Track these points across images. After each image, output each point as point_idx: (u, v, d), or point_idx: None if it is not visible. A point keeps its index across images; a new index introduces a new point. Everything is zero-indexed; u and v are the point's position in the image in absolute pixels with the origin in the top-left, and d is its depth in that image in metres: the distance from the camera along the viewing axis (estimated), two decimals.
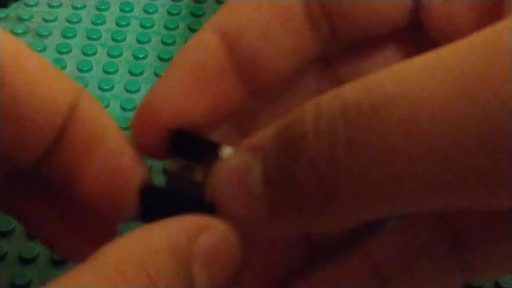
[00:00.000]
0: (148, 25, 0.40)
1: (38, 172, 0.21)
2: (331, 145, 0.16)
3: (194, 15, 0.40)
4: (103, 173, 0.20)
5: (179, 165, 0.20)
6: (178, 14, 0.40)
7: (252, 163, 0.17)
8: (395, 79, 0.15)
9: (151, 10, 0.40)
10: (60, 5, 0.41)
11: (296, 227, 0.18)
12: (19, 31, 0.39)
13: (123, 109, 0.35)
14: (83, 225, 0.22)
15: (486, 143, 0.14)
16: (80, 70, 0.37)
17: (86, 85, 0.36)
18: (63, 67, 0.37)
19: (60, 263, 0.29)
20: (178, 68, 0.20)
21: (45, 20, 0.40)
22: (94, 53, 0.38)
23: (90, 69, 0.37)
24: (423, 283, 0.20)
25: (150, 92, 0.20)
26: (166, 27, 0.40)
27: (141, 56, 0.38)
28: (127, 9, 0.40)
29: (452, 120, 0.14)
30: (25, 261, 0.29)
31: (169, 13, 0.40)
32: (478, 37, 0.15)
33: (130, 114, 0.35)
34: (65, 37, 0.39)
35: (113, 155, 0.20)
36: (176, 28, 0.40)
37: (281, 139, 0.17)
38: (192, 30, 0.40)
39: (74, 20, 0.40)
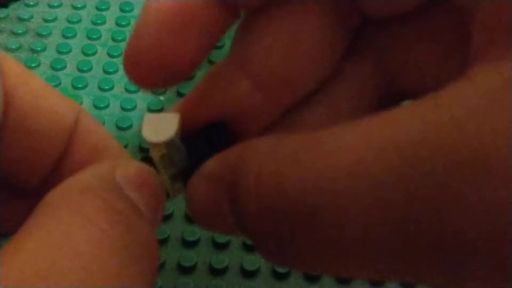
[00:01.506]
0: None
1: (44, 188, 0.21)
2: (276, 237, 0.16)
3: None
4: None
5: (161, 154, 0.21)
6: None
7: (219, 197, 0.18)
8: (328, 181, 0.15)
9: None
10: (60, 5, 0.41)
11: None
12: (19, 31, 0.39)
13: (123, 109, 0.35)
14: None
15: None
16: (80, 70, 0.37)
17: (86, 86, 0.36)
18: (63, 67, 0.37)
19: None
20: (157, 4, 0.19)
21: (45, 20, 0.40)
22: (94, 53, 0.38)
23: (90, 69, 0.37)
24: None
25: (135, 31, 0.20)
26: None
27: None
28: (127, 9, 0.40)
29: (375, 217, 0.14)
30: None
31: None
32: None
33: (130, 114, 0.35)
34: (65, 37, 0.39)
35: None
36: None
37: (233, 190, 0.18)
38: None
39: (74, 20, 0.40)
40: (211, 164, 0.19)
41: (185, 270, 0.29)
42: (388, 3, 0.20)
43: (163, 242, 0.30)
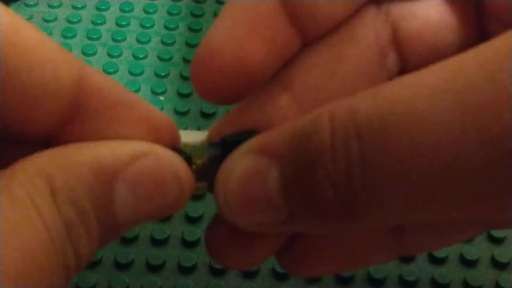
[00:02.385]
0: (148, 25, 0.40)
1: (54, 143, 0.20)
2: (347, 163, 0.16)
3: (194, 15, 0.40)
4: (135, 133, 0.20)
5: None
6: (178, 14, 0.40)
7: (267, 168, 0.18)
8: (406, 99, 0.16)
9: (151, 10, 0.40)
10: (60, 5, 0.41)
11: (317, 229, 0.19)
12: None
13: None
14: None
15: (486, 171, 0.15)
16: None
17: None
18: None
19: None
20: (233, 12, 0.20)
21: (45, 20, 0.40)
22: (94, 53, 0.38)
23: None
24: (440, 231, 0.22)
25: (206, 35, 0.20)
26: (166, 27, 0.40)
27: (141, 56, 0.38)
28: (127, 9, 0.40)
29: (457, 147, 0.15)
30: None
31: (169, 13, 0.40)
32: (487, 52, 0.15)
33: None
34: (65, 37, 0.39)
35: (143, 118, 0.20)
36: (176, 28, 0.40)
37: (298, 150, 0.17)
38: (192, 30, 0.40)
39: (74, 20, 0.40)
40: (258, 139, 0.18)
41: (185, 270, 0.29)
42: None
43: (163, 242, 0.30)
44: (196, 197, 0.32)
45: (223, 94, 0.20)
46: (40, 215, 0.16)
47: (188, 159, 0.20)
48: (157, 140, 0.20)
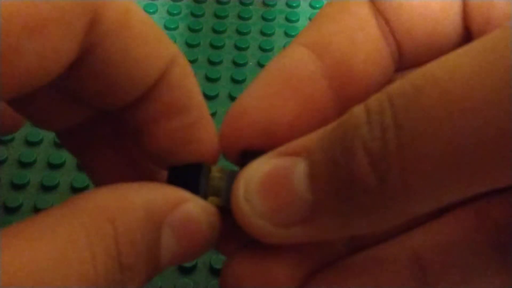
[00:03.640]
0: None
1: (121, 121, 0.21)
2: (382, 128, 0.16)
3: (194, 15, 0.40)
4: (178, 139, 0.21)
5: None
6: (178, 14, 0.40)
7: (294, 165, 0.18)
8: (436, 64, 0.16)
9: (151, 10, 0.40)
10: None
11: (339, 228, 0.18)
12: None
13: None
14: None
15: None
16: None
17: None
18: None
19: None
20: (269, 72, 0.21)
21: None
22: None
23: None
24: (464, 278, 0.20)
25: (241, 95, 0.21)
26: (166, 27, 0.40)
27: None
28: None
29: (491, 103, 0.15)
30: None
31: (169, 13, 0.40)
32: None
33: None
34: None
35: (192, 125, 0.21)
36: (176, 28, 0.40)
37: (331, 137, 0.17)
38: (192, 30, 0.40)
39: None
40: (285, 145, 0.18)
41: (185, 270, 0.29)
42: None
43: None
44: None
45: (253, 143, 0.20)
46: (92, 255, 0.16)
47: (206, 173, 0.20)
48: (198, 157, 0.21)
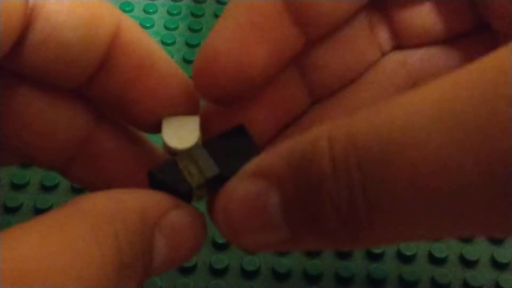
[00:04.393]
0: (148, 25, 0.40)
1: (87, 95, 0.22)
2: (349, 191, 0.16)
3: (194, 15, 0.40)
4: (154, 96, 0.21)
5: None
6: (178, 14, 0.40)
7: (268, 192, 0.18)
8: (403, 122, 0.16)
9: (151, 10, 0.40)
10: None
11: (318, 247, 0.19)
12: None
13: None
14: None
15: (482, 196, 0.15)
16: None
17: None
18: None
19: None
20: (236, 13, 0.21)
21: None
22: None
23: None
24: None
25: (209, 37, 0.21)
26: (166, 27, 0.40)
27: None
28: (127, 9, 0.40)
29: (458, 170, 0.15)
30: None
31: (169, 13, 0.40)
32: (483, 74, 0.15)
33: None
34: None
35: (165, 79, 0.21)
36: (176, 28, 0.40)
37: (298, 176, 0.17)
38: (192, 30, 0.40)
39: None
40: (257, 161, 0.19)
41: (185, 270, 0.29)
42: None
43: None
44: None
45: (225, 96, 0.21)
46: (101, 253, 0.17)
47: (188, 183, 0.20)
48: (173, 107, 0.21)
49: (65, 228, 0.16)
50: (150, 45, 0.22)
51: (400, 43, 0.23)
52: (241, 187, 0.18)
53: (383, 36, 0.23)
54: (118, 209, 0.18)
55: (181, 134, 0.21)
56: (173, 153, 0.21)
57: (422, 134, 0.15)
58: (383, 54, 0.23)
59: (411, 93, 0.16)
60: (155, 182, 0.20)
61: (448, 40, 0.23)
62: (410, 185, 0.15)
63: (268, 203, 0.18)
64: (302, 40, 0.21)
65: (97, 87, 0.22)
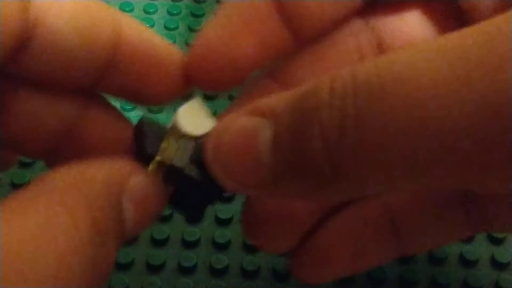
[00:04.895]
0: (148, 25, 0.40)
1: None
2: (341, 120, 0.16)
3: (194, 15, 0.40)
4: (160, 84, 0.23)
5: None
6: (178, 14, 0.40)
7: (261, 127, 0.18)
8: (406, 61, 0.16)
9: (151, 10, 0.40)
10: None
11: (298, 194, 0.19)
12: None
13: (123, 109, 0.35)
14: None
15: (479, 130, 0.15)
16: None
17: None
18: None
19: None
20: (228, 11, 0.22)
21: None
22: None
23: None
24: (434, 232, 0.23)
25: (203, 31, 0.22)
26: (166, 27, 0.40)
27: None
28: (127, 9, 0.40)
29: (452, 107, 0.15)
30: None
31: (169, 13, 0.40)
32: (487, 24, 0.16)
33: (130, 114, 0.35)
34: None
35: (172, 70, 0.22)
36: (176, 28, 0.40)
37: (295, 107, 0.17)
38: (192, 30, 0.39)
39: None
40: (257, 101, 0.19)
41: (185, 270, 0.29)
42: None
43: (163, 242, 0.30)
44: None
45: (214, 85, 0.22)
46: (75, 225, 0.17)
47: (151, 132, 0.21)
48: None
49: (37, 205, 0.17)
50: (153, 39, 0.23)
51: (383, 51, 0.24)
52: (237, 121, 0.19)
53: (366, 44, 0.24)
54: (84, 180, 0.18)
55: (197, 121, 0.21)
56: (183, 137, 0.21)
57: (422, 67, 0.15)
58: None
59: (417, 43, 0.17)
60: (135, 130, 0.21)
61: None
62: (405, 116, 0.15)
63: (260, 139, 0.18)
64: (291, 41, 0.22)
65: (104, 85, 0.22)
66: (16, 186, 0.31)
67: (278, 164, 0.18)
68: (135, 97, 0.23)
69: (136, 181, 0.20)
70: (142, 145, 0.21)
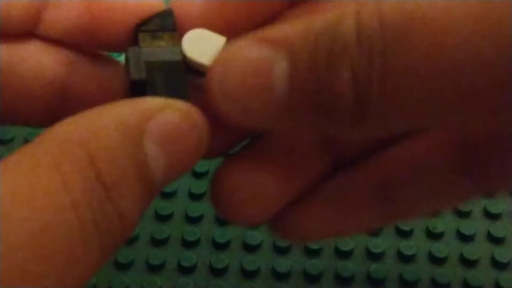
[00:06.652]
0: None
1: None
2: (370, 53, 0.16)
3: None
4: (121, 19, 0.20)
5: (150, 37, 0.20)
6: None
7: (276, 59, 0.17)
8: (434, 4, 0.16)
9: None
10: None
11: (316, 127, 0.18)
12: None
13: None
14: None
15: (493, 71, 0.15)
16: None
17: None
18: None
19: None
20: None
21: None
22: None
23: None
24: (431, 195, 0.22)
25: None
26: None
27: None
28: None
29: (472, 48, 0.15)
30: None
31: None
32: None
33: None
34: None
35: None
36: None
37: (318, 42, 0.17)
38: None
39: None
40: (267, 30, 0.18)
41: (185, 270, 0.29)
42: None
43: (163, 242, 0.30)
44: (196, 197, 0.32)
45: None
46: (63, 181, 0.15)
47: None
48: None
49: (25, 164, 0.16)
50: None
51: None
52: (245, 51, 0.17)
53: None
54: (89, 130, 0.16)
55: (204, 48, 0.20)
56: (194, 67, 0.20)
57: (447, 11, 0.16)
58: None
59: None
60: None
61: None
62: (428, 56, 0.16)
63: (274, 69, 0.17)
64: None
65: (51, 23, 0.21)
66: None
67: (296, 99, 0.17)
68: (89, 38, 0.21)
69: (162, 117, 0.17)
70: (127, 72, 0.19)
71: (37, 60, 0.21)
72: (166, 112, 0.18)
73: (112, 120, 0.17)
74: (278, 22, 0.20)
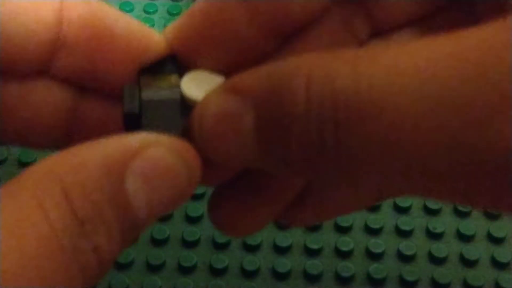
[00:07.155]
0: (148, 25, 0.40)
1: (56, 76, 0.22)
2: (320, 135, 0.16)
3: None
4: (121, 62, 0.21)
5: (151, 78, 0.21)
6: (178, 14, 0.40)
7: (243, 109, 0.17)
8: (386, 82, 0.15)
9: (151, 10, 0.40)
10: None
11: (281, 172, 0.19)
12: None
13: None
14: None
15: (455, 167, 0.15)
16: None
17: None
18: None
19: None
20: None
21: None
22: None
23: None
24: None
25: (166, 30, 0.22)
26: (166, 27, 0.40)
27: None
28: (127, 9, 0.40)
29: (428, 137, 0.15)
30: None
31: (169, 13, 0.40)
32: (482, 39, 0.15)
33: None
34: None
35: (128, 43, 0.21)
36: None
37: (273, 101, 0.17)
38: None
39: None
40: (234, 78, 0.18)
41: (185, 270, 0.29)
42: None
43: (163, 242, 0.30)
44: (196, 197, 0.32)
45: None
46: (45, 216, 0.16)
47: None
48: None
49: (7, 199, 0.16)
50: (102, 14, 0.21)
51: (376, 28, 0.23)
52: (216, 101, 0.18)
53: (358, 25, 0.23)
54: (68, 166, 0.17)
55: (201, 86, 0.20)
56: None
57: (402, 95, 0.15)
58: (361, 44, 0.23)
59: (394, 49, 0.16)
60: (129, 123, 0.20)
61: (424, 19, 0.22)
62: (380, 146, 0.15)
63: (242, 120, 0.17)
64: (270, 43, 0.21)
65: (60, 66, 0.21)
66: (23, 165, 0.31)
67: (262, 147, 0.17)
68: (94, 79, 0.21)
69: (145, 153, 0.17)
70: (122, 107, 0.19)
71: (47, 91, 0.21)
72: (151, 148, 0.17)
73: (93, 155, 0.17)
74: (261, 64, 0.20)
